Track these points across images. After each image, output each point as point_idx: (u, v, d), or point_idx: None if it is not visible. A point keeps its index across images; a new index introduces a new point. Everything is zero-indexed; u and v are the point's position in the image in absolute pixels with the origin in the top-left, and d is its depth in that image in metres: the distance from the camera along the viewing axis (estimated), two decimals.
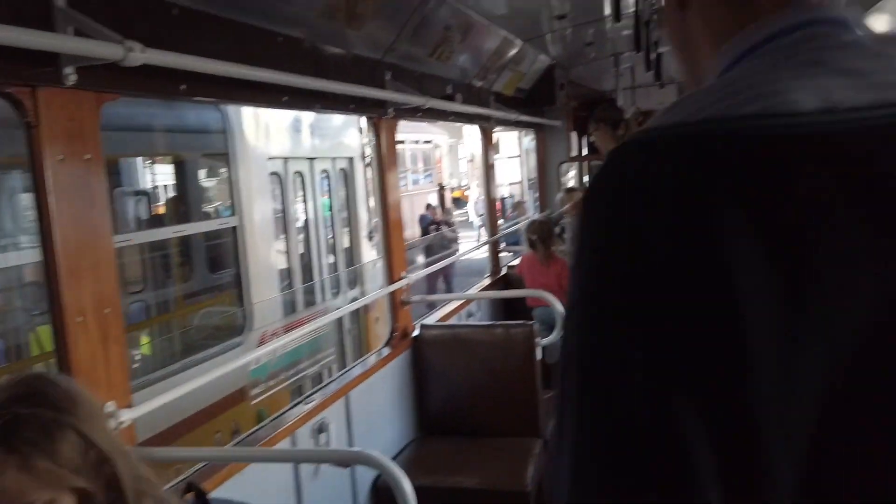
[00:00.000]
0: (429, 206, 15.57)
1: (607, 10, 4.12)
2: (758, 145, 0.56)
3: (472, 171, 20.33)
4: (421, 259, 12.93)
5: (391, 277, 3.23)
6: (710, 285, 0.54)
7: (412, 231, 15.43)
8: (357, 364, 3.00)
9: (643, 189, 0.57)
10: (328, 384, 2.70)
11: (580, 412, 0.59)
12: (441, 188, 18.66)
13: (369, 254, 6.85)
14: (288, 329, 4.85)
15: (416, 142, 17.27)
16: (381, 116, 3.06)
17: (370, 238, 6.87)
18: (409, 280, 3.29)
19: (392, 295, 3.26)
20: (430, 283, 11.96)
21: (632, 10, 2.91)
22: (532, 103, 5.58)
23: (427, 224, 14.07)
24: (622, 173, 0.60)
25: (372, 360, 3.04)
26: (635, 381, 0.56)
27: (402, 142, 16.17)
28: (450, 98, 3.82)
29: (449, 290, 11.75)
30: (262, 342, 4.43)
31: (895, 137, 0.56)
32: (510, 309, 4.62)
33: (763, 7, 0.64)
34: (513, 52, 4.45)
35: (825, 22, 0.62)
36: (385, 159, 3.17)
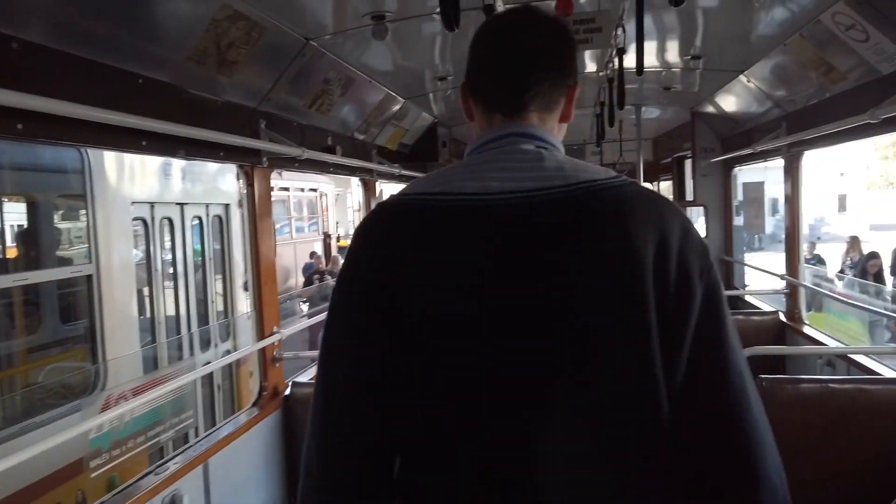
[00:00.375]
0: (313, 254, 15.23)
1: None
2: (437, 207, 0.99)
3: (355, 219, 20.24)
4: (305, 309, 12.52)
5: (262, 332, 3.08)
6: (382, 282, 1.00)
7: (296, 280, 14.99)
8: (219, 427, 2.79)
9: (376, 232, 1.04)
10: (184, 450, 2.48)
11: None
12: (326, 237, 18.35)
13: (245, 304, 6.55)
14: (137, 393, 4.36)
15: (302, 189, 16.95)
16: (254, 165, 2.96)
17: (246, 288, 6.57)
18: (281, 335, 3.15)
19: (263, 351, 3.10)
20: (314, 334, 11.58)
21: None
22: (415, 158, 5.64)
23: (311, 273, 13.72)
24: (369, 219, 1.06)
25: (236, 422, 2.85)
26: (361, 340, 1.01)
27: (286, 189, 15.82)
28: (330, 150, 3.77)
29: None
30: (106, 407, 4.00)
31: (517, 208, 0.96)
32: None
33: (494, 124, 1.07)
34: (395, 108, 4.50)
35: (516, 135, 1.05)
36: (259, 208, 3.05)
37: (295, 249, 15.76)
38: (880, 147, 34.62)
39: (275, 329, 3.11)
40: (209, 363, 5.29)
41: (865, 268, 9.08)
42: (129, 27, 2.02)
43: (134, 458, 4.51)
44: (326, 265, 15.25)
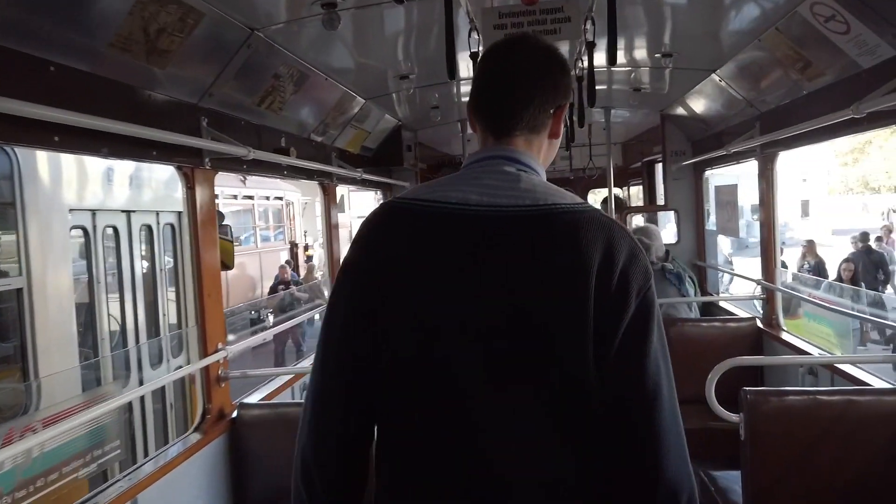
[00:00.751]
0: (286, 264, 14.88)
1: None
2: (424, 211, 1.17)
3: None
4: (272, 320, 12.15)
5: (205, 349, 2.81)
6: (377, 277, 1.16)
7: (262, 290, 14.58)
8: (151, 458, 2.51)
9: (374, 227, 1.20)
10: (109, 486, 2.20)
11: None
12: (293, 246, 17.99)
13: None
14: (48, 424, 3.83)
15: (267, 198, 16.57)
16: (195, 167, 2.70)
17: None
18: (227, 352, 2.89)
19: (206, 370, 2.83)
20: (278, 347, 11.21)
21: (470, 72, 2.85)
22: (379, 163, 5.42)
23: (275, 283, 13.37)
24: (371, 219, 1.22)
25: (174, 450, 2.57)
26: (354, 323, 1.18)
27: (251, 197, 15.48)
28: (283, 152, 3.53)
29: (299, 353, 11.10)
30: (8, 440, 3.60)
31: (490, 220, 1.13)
32: None
33: (488, 143, 1.25)
34: (355, 109, 4.27)
35: (501, 157, 1.21)
36: (201, 215, 2.79)
37: (260, 259, 15.41)
38: (840, 153, 35.46)
39: (219, 346, 2.85)
40: (156, 380, 4.93)
41: (839, 273, 9.06)
42: (37, 7, 1.78)
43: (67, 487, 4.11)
44: (303, 275, 14.87)
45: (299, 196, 18.43)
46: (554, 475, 1.12)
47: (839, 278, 9.24)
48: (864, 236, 11.42)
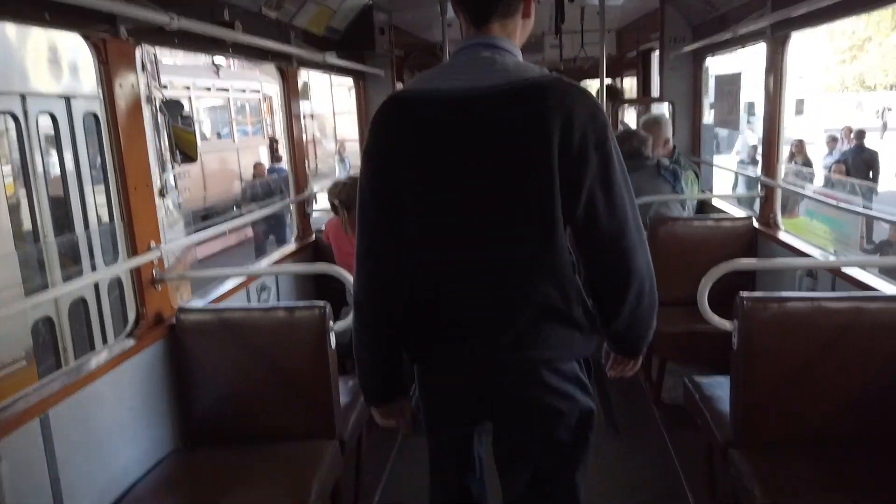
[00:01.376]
0: (278, 159, 14.38)
1: None
2: (420, 100, 1.50)
3: (310, 125, 19.15)
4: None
5: (134, 249, 2.50)
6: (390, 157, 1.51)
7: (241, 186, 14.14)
8: (73, 368, 2.24)
9: (382, 118, 1.53)
10: (16, 400, 1.93)
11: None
12: (273, 141, 17.38)
13: (162, 212, 5.82)
14: None
15: (243, 91, 15.76)
16: (108, 38, 2.27)
17: (162, 194, 5.84)
18: (160, 252, 2.58)
19: (137, 272, 2.53)
20: (259, 239, 10.88)
21: None
22: (348, 47, 4.91)
23: (248, 183, 12.95)
24: (378, 111, 1.54)
25: (99, 359, 2.30)
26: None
27: (225, 90, 14.75)
28: (228, 25, 3.07)
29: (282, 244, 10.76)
30: None
31: (471, 100, 1.44)
32: (321, 281, 4.00)
33: (469, 31, 1.55)
34: None
35: (479, 44, 1.51)
36: (122, 97, 2.39)
37: (238, 154, 14.93)
38: (838, 50, 34.25)
39: (152, 244, 2.53)
40: (74, 280, 4.54)
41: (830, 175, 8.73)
42: None
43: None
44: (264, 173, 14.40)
45: (278, 89, 17.66)
46: (544, 302, 1.47)
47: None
48: (860, 134, 11.03)
